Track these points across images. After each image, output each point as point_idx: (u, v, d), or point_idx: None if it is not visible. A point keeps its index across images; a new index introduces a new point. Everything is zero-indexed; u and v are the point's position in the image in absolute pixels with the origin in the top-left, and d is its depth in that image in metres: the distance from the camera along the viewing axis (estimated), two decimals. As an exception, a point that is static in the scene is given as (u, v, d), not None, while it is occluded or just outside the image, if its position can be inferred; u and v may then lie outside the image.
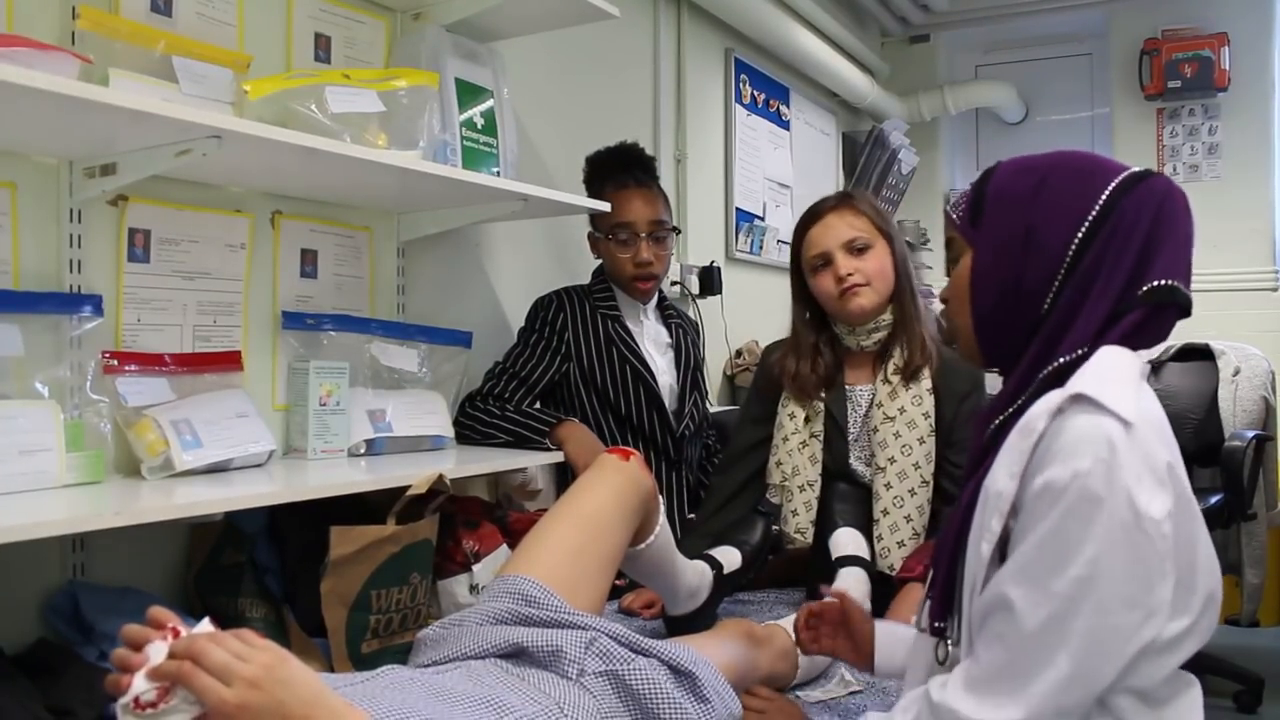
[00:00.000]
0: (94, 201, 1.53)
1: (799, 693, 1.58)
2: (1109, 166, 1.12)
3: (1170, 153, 4.47)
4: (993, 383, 1.48)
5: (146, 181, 1.49)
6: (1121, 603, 0.96)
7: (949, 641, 1.13)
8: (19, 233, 1.46)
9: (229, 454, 1.58)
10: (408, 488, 1.59)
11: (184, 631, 0.91)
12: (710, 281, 3.20)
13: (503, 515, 1.92)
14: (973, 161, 5.13)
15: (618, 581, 1.76)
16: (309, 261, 1.90)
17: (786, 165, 3.91)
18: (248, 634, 0.93)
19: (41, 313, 1.45)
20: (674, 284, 3.07)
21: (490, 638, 1.26)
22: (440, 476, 1.61)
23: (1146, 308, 1.05)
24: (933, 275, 4.34)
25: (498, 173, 1.97)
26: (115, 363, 1.54)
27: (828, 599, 1.42)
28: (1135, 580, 0.96)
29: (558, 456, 2.03)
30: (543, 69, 2.51)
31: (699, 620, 1.71)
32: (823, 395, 1.97)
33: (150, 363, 1.59)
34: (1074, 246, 1.07)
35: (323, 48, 1.92)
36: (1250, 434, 2.89)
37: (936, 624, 1.14)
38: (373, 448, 1.85)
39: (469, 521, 1.81)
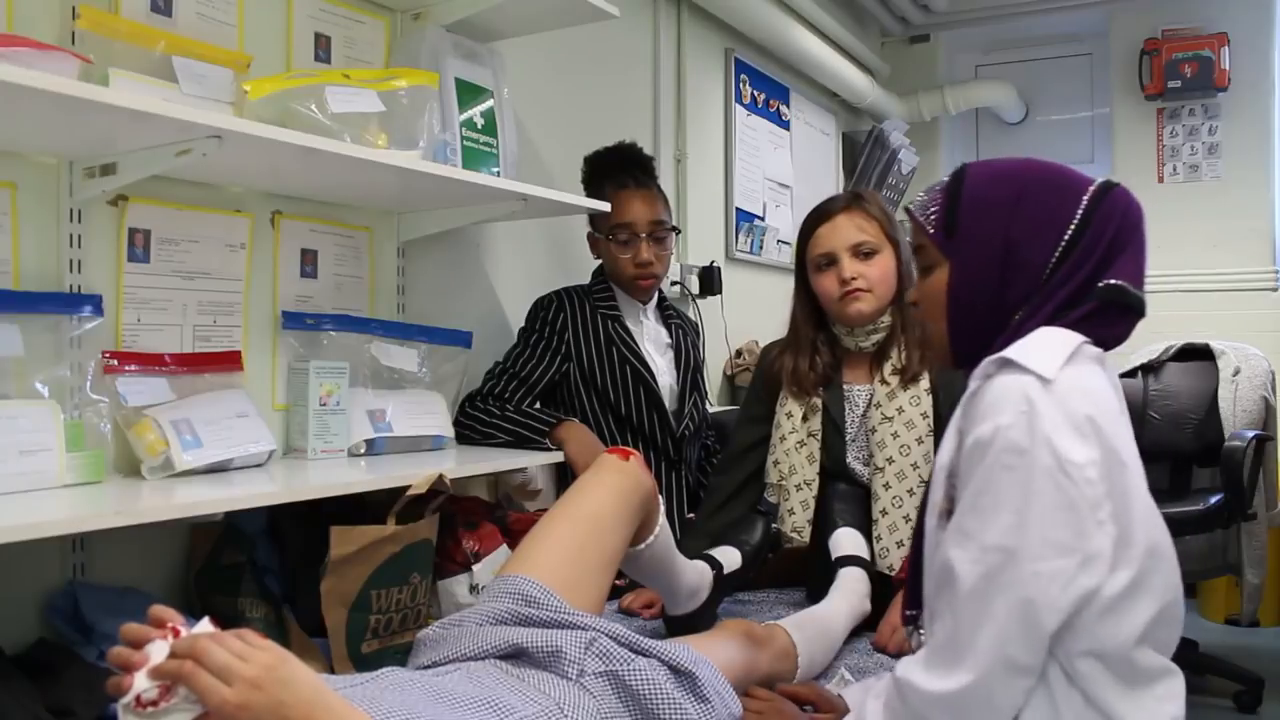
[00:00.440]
0: (94, 201, 1.53)
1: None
2: (1078, 177, 1.16)
3: (1170, 152, 4.46)
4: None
5: (146, 181, 1.49)
6: (1053, 549, 0.99)
7: (920, 631, 1.16)
8: (19, 233, 1.46)
9: (229, 454, 1.58)
10: (408, 488, 1.59)
11: (185, 631, 0.91)
12: (710, 281, 3.20)
13: (503, 515, 1.92)
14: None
15: (618, 581, 1.76)
16: (309, 261, 1.90)
17: (786, 165, 3.91)
18: (249, 634, 0.93)
19: (41, 313, 1.45)
20: (674, 284, 3.07)
21: (490, 638, 1.26)
22: (440, 476, 1.61)
23: (1094, 302, 1.10)
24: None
25: (498, 173, 1.97)
26: (115, 363, 1.54)
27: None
28: (1066, 526, 0.99)
29: (558, 456, 2.03)
30: (543, 69, 2.51)
31: (699, 620, 1.71)
32: (820, 393, 1.97)
33: (150, 363, 1.59)
34: (1054, 260, 1.12)
35: (323, 48, 1.92)
36: (1250, 434, 2.90)
37: (908, 612, 1.18)
38: (373, 448, 1.85)
39: (469, 521, 1.81)
